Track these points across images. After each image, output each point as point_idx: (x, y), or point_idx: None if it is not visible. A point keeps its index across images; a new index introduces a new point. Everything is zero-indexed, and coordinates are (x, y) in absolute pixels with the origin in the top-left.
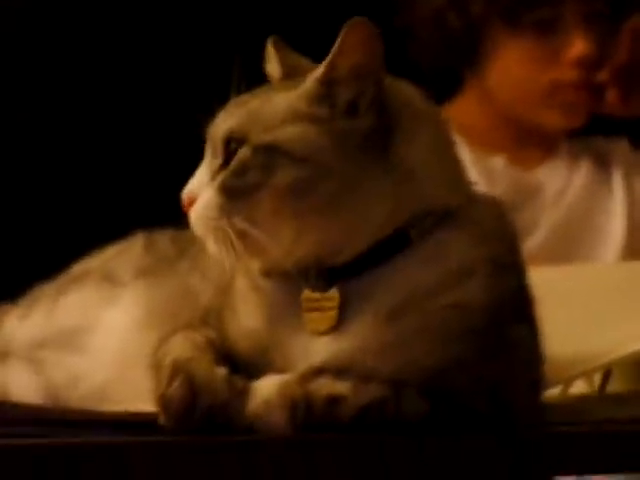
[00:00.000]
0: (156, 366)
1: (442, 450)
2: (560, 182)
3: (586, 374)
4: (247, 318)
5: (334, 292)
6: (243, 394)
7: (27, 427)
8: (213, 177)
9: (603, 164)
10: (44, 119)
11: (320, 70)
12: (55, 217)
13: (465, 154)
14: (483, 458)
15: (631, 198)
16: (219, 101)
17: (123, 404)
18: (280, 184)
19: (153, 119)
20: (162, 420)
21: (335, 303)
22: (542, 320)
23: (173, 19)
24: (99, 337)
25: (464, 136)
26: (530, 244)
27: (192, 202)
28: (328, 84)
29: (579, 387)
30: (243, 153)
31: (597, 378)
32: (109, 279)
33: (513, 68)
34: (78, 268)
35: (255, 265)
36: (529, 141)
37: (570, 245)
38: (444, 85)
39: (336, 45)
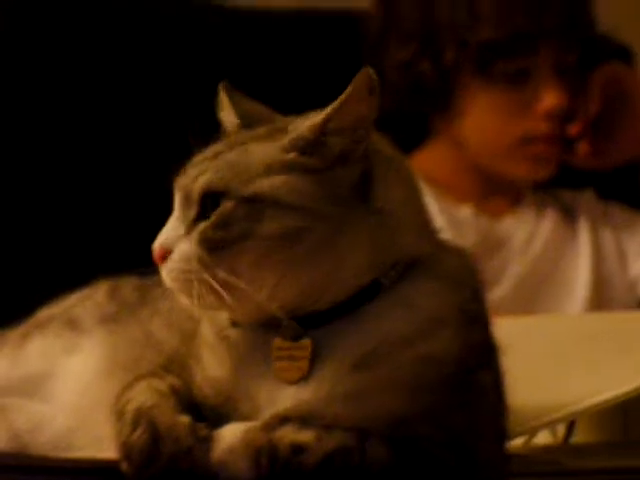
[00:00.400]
0: (118, 413)
1: None
2: (526, 232)
3: (550, 425)
4: (213, 367)
5: (306, 341)
6: (207, 442)
7: None
8: (188, 230)
9: (569, 215)
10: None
11: (320, 119)
12: (20, 262)
13: (432, 203)
14: None
15: (597, 249)
16: (180, 152)
17: (86, 451)
18: (268, 233)
19: (118, 167)
20: (124, 467)
21: (307, 352)
22: (507, 370)
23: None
24: (61, 384)
25: (431, 185)
26: (496, 294)
27: (165, 254)
28: (326, 133)
29: (543, 437)
30: (226, 206)
31: (561, 429)
32: (72, 326)
33: (484, 118)
34: (43, 314)
35: (226, 315)
36: (496, 191)
37: (535, 296)
38: (410, 132)
39: (345, 95)
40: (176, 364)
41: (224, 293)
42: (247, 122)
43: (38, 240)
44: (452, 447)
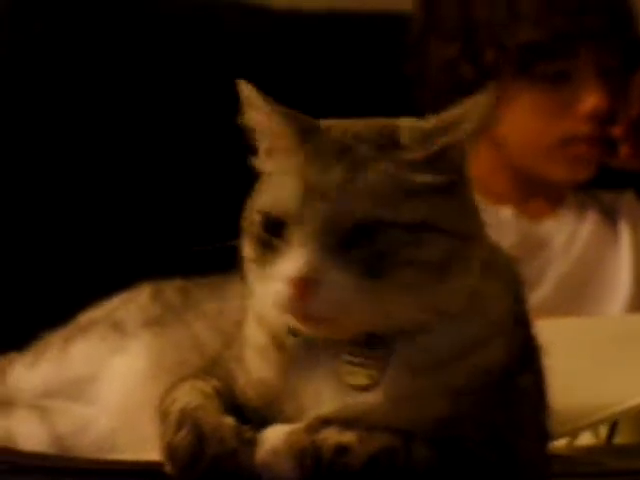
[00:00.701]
0: (163, 414)
1: None
2: (567, 234)
3: (593, 426)
4: (260, 369)
5: (381, 350)
6: (251, 444)
7: (35, 476)
8: (335, 259)
9: (610, 216)
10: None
11: (448, 138)
12: (59, 266)
13: None
14: None
15: (637, 251)
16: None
17: (129, 454)
18: (430, 259)
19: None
20: (168, 469)
21: (380, 361)
22: (549, 371)
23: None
24: (106, 386)
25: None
26: (537, 296)
27: (310, 287)
28: (441, 152)
29: (586, 439)
30: (390, 233)
31: (604, 430)
32: (116, 328)
33: (524, 119)
34: (85, 317)
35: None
36: (537, 192)
37: (577, 297)
38: None
39: (476, 111)
40: (219, 367)
41: (368, 320)
42: (297, 127)
43: (75, 243)
44: (494, 446)
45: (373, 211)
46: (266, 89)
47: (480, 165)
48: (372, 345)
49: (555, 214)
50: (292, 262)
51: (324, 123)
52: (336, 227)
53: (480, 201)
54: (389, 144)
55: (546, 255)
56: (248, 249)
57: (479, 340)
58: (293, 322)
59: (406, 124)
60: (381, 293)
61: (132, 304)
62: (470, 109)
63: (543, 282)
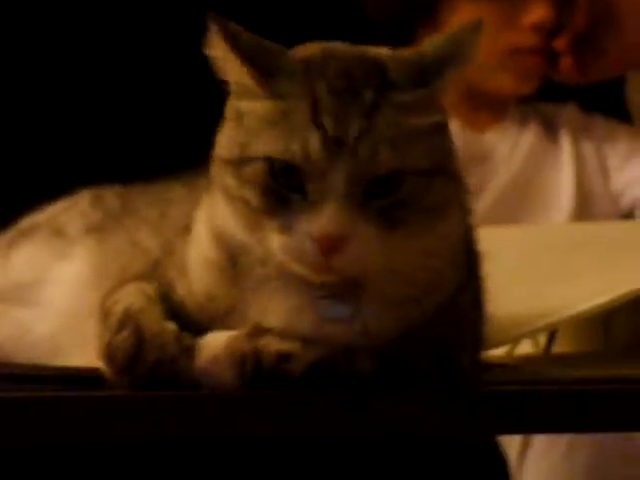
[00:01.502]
0: (105, 314)
1: (388, 408)
2: (509, 145)
3: (532, 334)
4: (207, 284)
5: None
6: (190, 351)
7: None
8: (362, 212)
9: (551, 128)
10: None
11: (440, 76)
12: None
13: None
14: (428, 415)
15: (579, 162)
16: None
17: (71, 358)
18: (435, 203)
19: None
20: (106, 371)
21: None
22: (489, 279)
23: None
24: (49, 290)
25: None
26: (478, 207)
27: (337, 244)
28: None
29: (525, 347)
30: (410, 181)
31: (543, 339)
32: (59, 234)
33: None
34: (26, 222)
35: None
36: (481, 105)
37: (518, 208)
38: (395, 42)
39: (466, 49)
40: (159, 273)
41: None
42: (261, 63)
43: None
44: (435, 360)
45: (394, 160)
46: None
47: None
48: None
49: (498, 126)
50: (318, 219)
51: (302, 51)
52: (360, 180)
53: None
54: (385, 85)
55: (488, 167)
56: (251, 197)
57: (441, 275)
58: (306, 272)
59: (392, 58)
60: (398, 242)
61: (73, 210)
62: (460, 47)
63: (484, 193)
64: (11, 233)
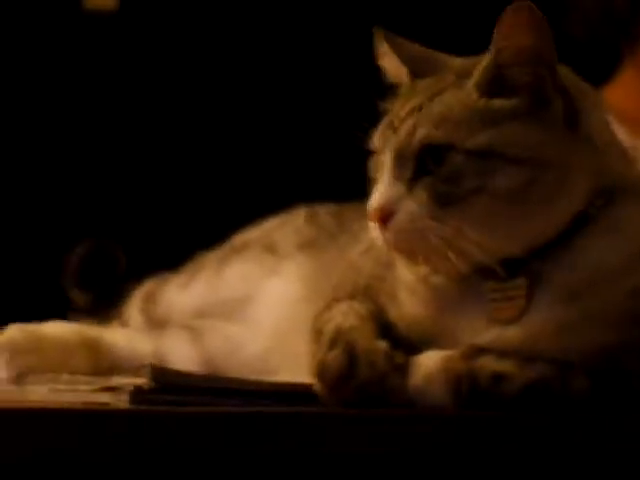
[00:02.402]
0: (316, 332)
1: (606, 430)
2: None
3: None
4: (412, 306)
5: (522, 280)
6: (402, 369)
7: (187, 394)
8: (410, 187)
9: None
10: None
11: (488, 55)
12: (216, 189)
13: (623, 137)
14: None
15: None
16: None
17: (281, 375)
18: (501, 188)
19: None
20: (317, 388)
21: (523, 291)
22: None
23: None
24: (260, 307)
25: (622, 120)
26: None
27: (387, 216)
28: (500, 66)
29: None
30: (455, 159)
31: None
32: (271, 250)
33: None
34: (239, 238)
35: (438, 268)
36: None
37: None
38: (601, 64)
39: (497, 30)
40: (373, 292)
41: (448, 248)
42: (415, 68)
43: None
44: None
45: (435, 134)
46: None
47: (629, 99)
48: (512, 275)
49: None
50: (374, 194)
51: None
52: (405, 155)
53: (631, 136)
54: (467, 75)
55: None
56: None
57: (629, 262)
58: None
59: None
60: (453, 220)
61: (287, 226)
62: (497, 33)
63: None
64: (224, 249)
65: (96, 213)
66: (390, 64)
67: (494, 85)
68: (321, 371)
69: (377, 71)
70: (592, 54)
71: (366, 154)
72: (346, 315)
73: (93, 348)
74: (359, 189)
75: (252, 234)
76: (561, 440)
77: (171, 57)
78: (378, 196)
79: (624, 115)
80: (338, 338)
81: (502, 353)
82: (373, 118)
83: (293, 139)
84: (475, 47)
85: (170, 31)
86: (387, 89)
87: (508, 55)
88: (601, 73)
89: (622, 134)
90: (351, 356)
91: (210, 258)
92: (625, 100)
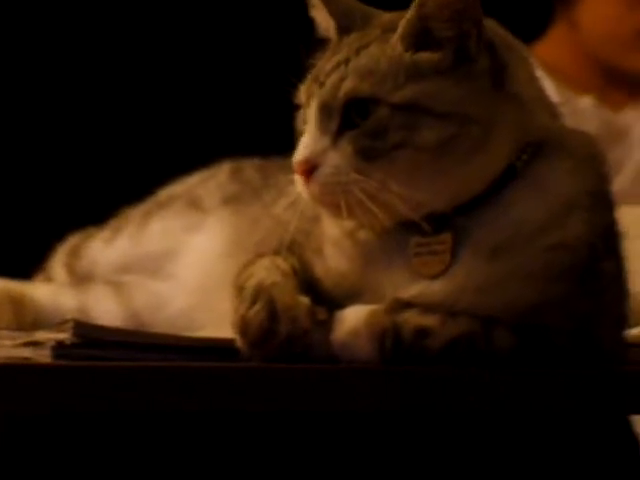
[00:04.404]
0: (238, 288)
1: (526, 385)
2: None
3: None
4: (337, 261)
5: (446, 235)
6: (324, 325)
7: (109, 349)
8: (335, 140)
9: None
10: None
11: (411, 11)
12: (141, 142)
13: (552, 93)
14: (566, 393)
15: None
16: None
17: (205, 330)
18: (425, 142)
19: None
20: (239, 343)
21: (448, 246)
22: (627, 257)
23: None
24: (184, 263)
25: (551, 75)
26: (616, 185)
27: (311, 168)
28: (425, 18)
29: None
30: (380, 113)
31: None
32: (195, 205)
33: (605, 7)
34: (164, 193)
35: (363, 222)
36: (616, 83)
37: None
38: (533, 18)
39: None
40: (299, 246)
41: (372, 202)
42: (343, 22)
43: (158, 118)
44: (578, 336)
45: (360, 88)
46: None
47: (561, 54)
48: (438, 230)
49: (635, 104)
50: (298, 147)
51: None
52: (329, 108)
53: (560, 90)
54: (392, 30)
55: (625, 145)
56: None
57: (551, 217)
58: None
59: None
60: (378, 174)
61: (211, 181)
62: None
63: (622, 171)
64: (148, 204)
65: (19, 169)
66: (320, 17)
67: (418, 38)
68: (242, 327)
69: (309, 23)
70: (524, 8)
71: (293, 108)
72: (268, 271)
73: (17, 303)
74: (287, 144)
75: (176, 189)
76: (483, 395)
77: None
78: (302, 149)
79: (555, 71)
80: (259, 294)
81: (426, 308)
82: (301, 72)
83: (221, 93)
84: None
85: None
86: (317, 42)
87: (431, 8)
88: (533, 27)
89: (552, 89)
90: (272, 312)
91: (134, 213)
92: (557, 55)
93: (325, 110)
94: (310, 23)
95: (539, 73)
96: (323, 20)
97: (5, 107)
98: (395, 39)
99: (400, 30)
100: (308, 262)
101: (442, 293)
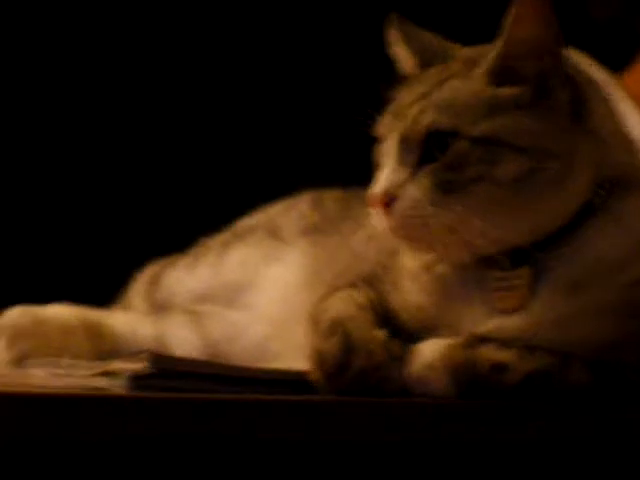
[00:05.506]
0: (314, 320)
1: (604, 421)
2: None
3: None
4: (415, 295)
5: (525, 269)
6: (399, 359)
7: (184, 381)
8: (414, 173)
9: None
10: None
11: (498, 44)
12: (221, 172)
13: None
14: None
15: None
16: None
17: (280, 361)
18: (504, 176)
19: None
20: (314, 377)
21: (526, 281)
22: None
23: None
24: (261, 293)
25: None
26: None
27: (389, 201)
28: (509, 58)
29: None
30: (459, 146)
31: None
32: (274, 235)
33: None
34: (244, 223)
35: (441, 256)
36: None
37: None
38: (621, 48)
39: (509, 19)
40: (376, 280)
41: (450, 236)
42: (424, 57)
43: (241, 148)
44: None
45: (441, 120)
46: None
47: None
48: (516, 265)
49: None
50: (377, 180)
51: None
52: (409, 141)
53: None
54: (473, 64)
55: None
56: None
57: (629, 254)
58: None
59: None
60: (456, 208)
61: (291, 211)
62: (510, 22)
63: None
64: (227, 233)
65: (100, 198)
66: (400, 53)
67: (501, 74)
68: (318, 360)
69: (386, 58)
70: (612, 38)
71: (371, 141)
72: (345, 304)
73: (94, 332)
74: (365, 176)
75: (256, 219)
76: (559, 430)
77: (164, 45)
78: (381, 181)
79: None
80: (335, 327)
81: (503, 343)
82: (378, 105)
83: (300, 125)
84: (485, 36)
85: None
86: (394, 76)
87: (516, 46)
88: (621, 57)
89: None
90: (348, 345)
91: (214, 242)
92: None
93: (405, 142)
94: (388, 58)
95: (627, 104)
96: (403, 56)
97: (79, 137)
98: (479, 73)
99: (485, 65)
100: (385, 295)
101: (519, 328)
